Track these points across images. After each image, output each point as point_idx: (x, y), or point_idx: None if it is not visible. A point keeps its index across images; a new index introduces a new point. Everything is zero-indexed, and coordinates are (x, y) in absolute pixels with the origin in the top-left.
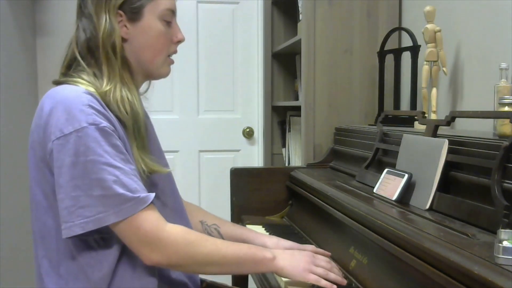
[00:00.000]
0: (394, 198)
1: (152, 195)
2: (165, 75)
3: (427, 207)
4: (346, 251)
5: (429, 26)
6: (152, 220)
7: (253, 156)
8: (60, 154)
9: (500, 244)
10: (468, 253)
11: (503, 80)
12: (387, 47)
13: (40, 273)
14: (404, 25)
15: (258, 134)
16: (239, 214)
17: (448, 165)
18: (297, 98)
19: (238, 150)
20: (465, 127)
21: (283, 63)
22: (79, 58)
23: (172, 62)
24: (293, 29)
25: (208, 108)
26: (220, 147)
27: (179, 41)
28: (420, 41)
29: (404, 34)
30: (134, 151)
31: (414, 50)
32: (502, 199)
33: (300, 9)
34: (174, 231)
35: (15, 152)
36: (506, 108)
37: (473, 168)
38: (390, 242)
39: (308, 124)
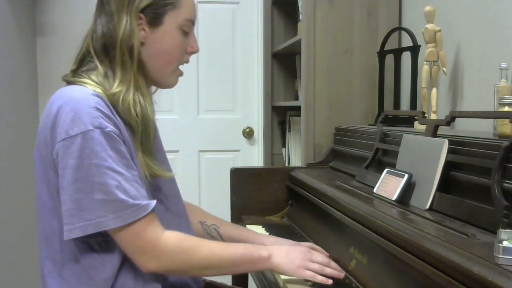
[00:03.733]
0: (394, 198)
1: (153, 202)
2: (171, 85)
3: (427, 207)
4: (346, 251)
5: (429, 26)
6: (150, 229)
7: (253, 156)
8: (64, 156)
9: (500, 244)
10: (468, 253)
11: (503, 80)
12: (387, 47)
13: (43, 274)
14: (404, 25)
15: (258, 134)
16: (239, 214)
17: (448, 165)
18: (297, 98)
19: (238, 150)
20: (465, 127)
21: (283, 63)
22: (93, 53)
23: (181, 73)
24: (293, 29)
25: (208, 108)
26: (220, 147)
27: (193, 52)
28: (420, 41)
29: (404, 34)
30: (139, 155)
31: (414, 50)
32: (502, 199)
33: (300, 9)
34: (170, 239)
35: (15, 152)
36: (506, 108)
37: (473, 168)
38: (390, 242)
39: (308, 124)
